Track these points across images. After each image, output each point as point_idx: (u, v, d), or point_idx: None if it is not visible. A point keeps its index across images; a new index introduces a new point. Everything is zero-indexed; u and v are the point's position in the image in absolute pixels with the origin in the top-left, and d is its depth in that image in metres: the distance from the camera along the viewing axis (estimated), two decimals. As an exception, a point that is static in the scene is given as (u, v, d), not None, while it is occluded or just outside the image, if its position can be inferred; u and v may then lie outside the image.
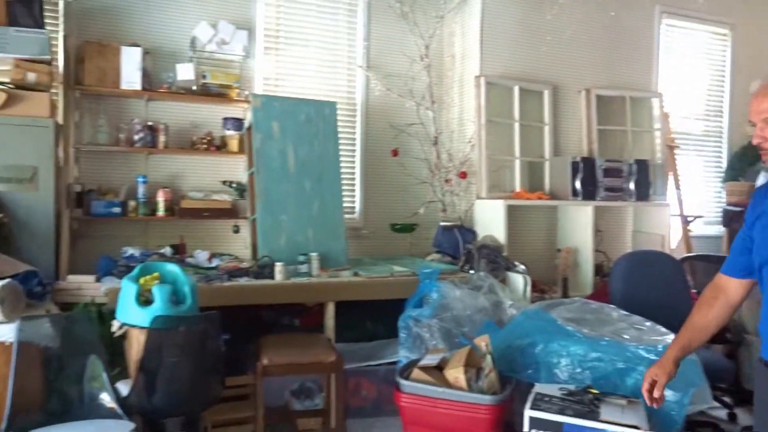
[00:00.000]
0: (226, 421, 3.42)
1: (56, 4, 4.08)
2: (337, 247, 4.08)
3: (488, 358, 2.94)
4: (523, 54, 5.04)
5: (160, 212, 4.23)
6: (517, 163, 4.94)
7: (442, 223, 4.68)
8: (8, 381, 2.54)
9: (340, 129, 4.59)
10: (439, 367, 3.01)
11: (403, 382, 2.96)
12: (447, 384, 2.91)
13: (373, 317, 4.11)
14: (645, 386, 2.03)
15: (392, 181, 5.03)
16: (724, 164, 5.95)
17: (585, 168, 4.72)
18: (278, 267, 3.66)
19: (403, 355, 3.46)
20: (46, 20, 3.84)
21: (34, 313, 2.89)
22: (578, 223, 4.79)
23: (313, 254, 3.84)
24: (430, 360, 3.05)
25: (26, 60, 3.55)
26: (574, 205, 4.80)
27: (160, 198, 4.24)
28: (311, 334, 3.62)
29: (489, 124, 4.79)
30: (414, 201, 4.96)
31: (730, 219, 4.75)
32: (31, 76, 3.55)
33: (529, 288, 3.97)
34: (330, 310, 3.68)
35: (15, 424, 2.47)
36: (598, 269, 4.76)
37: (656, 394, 2.01)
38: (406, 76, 4.99)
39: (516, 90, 4.95)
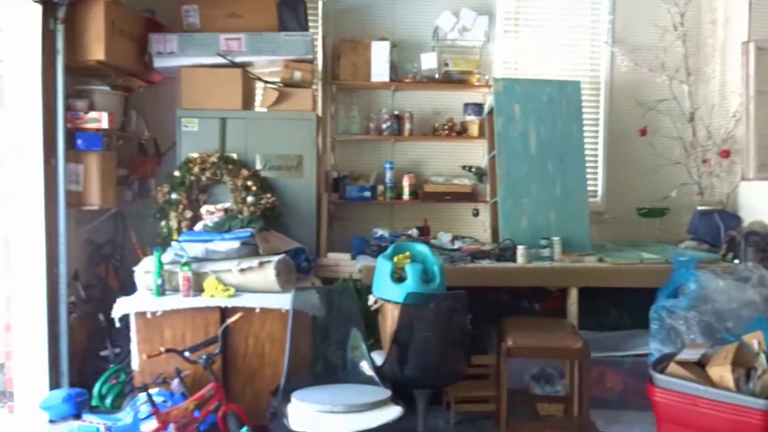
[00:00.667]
0: (468, 398, 3.52)
1: (316, 7, 4.51)
2: (581, 231, 3.95)
3: (761, 357, 2.64)
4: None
5: (405, 196, 4.49)
6: (793, 139, 4.30)
7: (700, 208, 4.26)
8: (285, 344, 2.90)
9: (584, 107, 4.41)
10: (700, 364, 2.77)
11: (658, 376, 2.79)
12: (710, 382, 2.67)
13: (618, 306, 3.91)
14: None
15: (639, 163, 4.71)
16: None
17: None
18: (520, 250, 3.66)
19: (654, 348, 3.26)
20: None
21: (303, 285, 3.27)
22: None
23: (555, 238, 3.76)
24: (689, 355, 2.83)
25: (293, 60, 3.98)
26: None
27: (405, 183, 4.49)
28: (554, 319, 3.56)
29: (759, 96, 4.22)
30: (664, 183, 4.58)
31: None
32: (297, 75, 3.97)
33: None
34: (573, 296, 3.58)
35: (289, 383, 2.82)
36: None
37: None
38: (657, 48, 4.61)
39: (792, 55, 4.29)
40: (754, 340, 2.73)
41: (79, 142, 3.55)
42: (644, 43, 4.68)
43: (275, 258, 3.18)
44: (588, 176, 4.57)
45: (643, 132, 4.59)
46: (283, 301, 3.04)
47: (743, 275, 3.42)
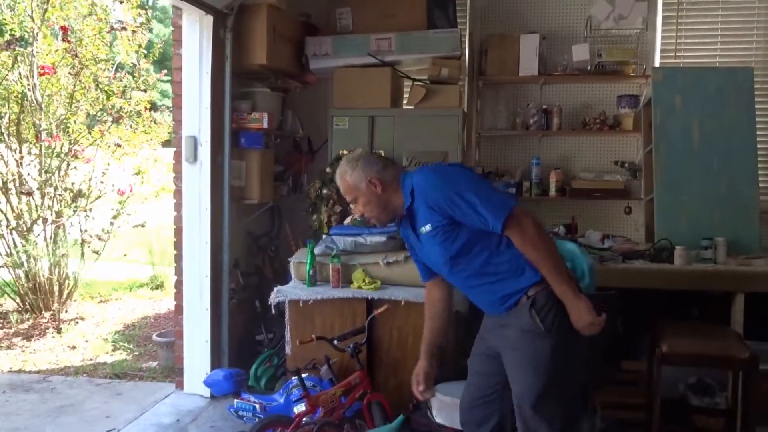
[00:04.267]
0: (617, 404, 3.36)
1: (465, 3, 4.51)
2: (750, 232, 3.62)
3: None
4: None
5: (552, 192, 4.37)
6: None
7: None
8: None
9: (757, 95, 4.03)
10: None
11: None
12: None
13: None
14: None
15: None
16: None
17: None
18: (678, 251, 3.42)
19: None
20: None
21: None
22: None
23: (720, 239, 3.47)
24: None
25: (441, 57, 4.01)
26: None
27: (552, 179, 4.37)
28: (716, 326, 3.29)
29: None
30: None
31: None
32: (444, 72, 4.00)
33: None
34: (739, 302, 3.28)
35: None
36: None
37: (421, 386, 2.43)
38: None
39: None
40: None
41: (243, 140, 3.84)
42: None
43: (420, 252, 3.23)
44: (760, 172, 4.19)
45: (828, 121, 4.11)
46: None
47: None
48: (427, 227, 2.17)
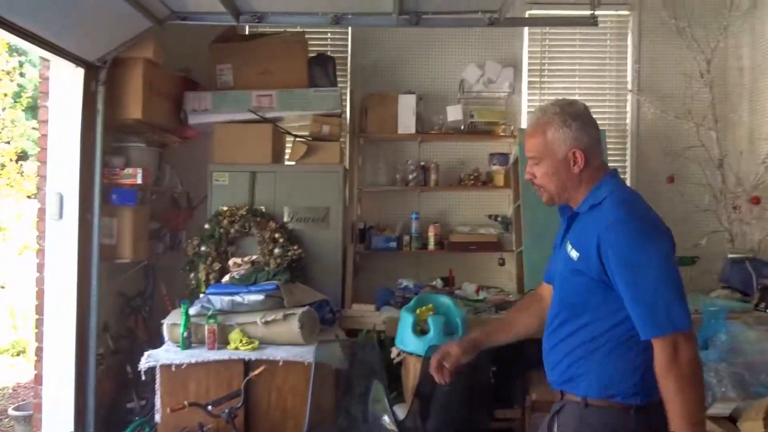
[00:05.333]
0: (494, 452, 3.46)
1: (346, 63, 4.67)
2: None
3: (795, 414, 2.53)
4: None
5: (431, 246, 4.51)
6: (829, 186, 4.21)
7: (731, 256, 4.18)
8: (307, 397, 2.92)
9: (609, 156, 4.42)
10: (731, 419, 2.68)
11: None
12: (741, 440, 2.57)
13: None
14: (434, 361, 2.03)
15: (668, 211, 4.58)
16: None
17: None
18: (545, 301, 3.62)
19: (686, 402, 3.14)
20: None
21: (326, 338, 3.29)
22: None
23: (582, 288, 3.71)
24: (720, 409, 2.74)
25: (322, 115, 4.10)
26: None
27: (431, 233, 4.52)
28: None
29: (790, 142, 4.19)
30: (694, 231, 4.51)
31: None
32: (326, 129, 4.08)
33: None
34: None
35: (311, 436, 2.83)
36: None
37: (447, 364, 2.01)
38: (684, 95, 4.62)
39: (823, 100, 4.25)
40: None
41: (114, 197, 3.69)
42: (670, 90, 4.70)
43: (299, 310, 3.22)
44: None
45: (671, 179, 4.56)
46: (307, 354, 3.07)
47: (776, 326, 3.32)
48: (574, 253, 1.79)
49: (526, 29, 4.80)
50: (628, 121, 4.79)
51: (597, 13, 3.61)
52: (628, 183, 4.74)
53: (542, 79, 4.83)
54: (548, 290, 2.07)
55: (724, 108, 4.66)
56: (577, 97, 4.71)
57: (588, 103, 4.77)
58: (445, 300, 3.13)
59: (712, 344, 3.27)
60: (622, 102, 4.82)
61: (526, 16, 4.74)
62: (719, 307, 3.43)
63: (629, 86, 4.78)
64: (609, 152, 4.29)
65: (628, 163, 4.77)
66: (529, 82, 4.82)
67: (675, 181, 4.57)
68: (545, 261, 3.87)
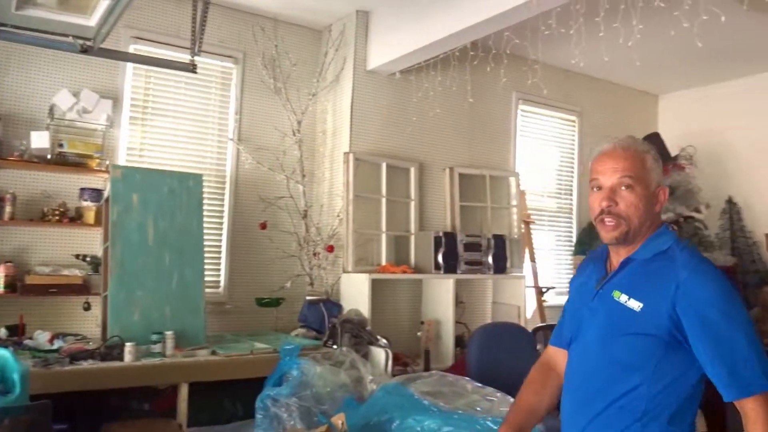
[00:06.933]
0: None
1: None
2: (196, 324, 3.93)
3: (342, 437, 2.91)
4: (391, 133, 5.25)
5: (0, 289, 3.92)
6: (384, 237, 5.07)
7: (309, 297, 4.67)
8: None
9: (207, 201, 4.54)
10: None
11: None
12: (300, 467, 2.84)
13: (233, 397, 3.96)
14: None
15: (260, 255, 4.99)
16: (574, 238, 6.42)
17: (447, 242, 4.91)
18: (128, 347, 3.46)
19: (260, 437, 3.35)
20: None
21: None
22: (440, 295, 4.94)
23: (168, 332, 3.67)
24: (285, 442, 2.98)
25: None
26: (436, 278, 4.96)
27: (1, 273, 3.93)
28: (159, 420, 3.43)
29: (357, 199, 4.91)
30: (282, 275, 4.93)
31: (578, 291, 5.05)
32: None
33: (390, 362, 4.01)
34: (183, 393, 3.51)
35: None
36: (459, 341, 4.90)
37: None
38: (278, 150, 5.05)
39: (384, 166, 5.14)
40: (339, 420, 3.01)
41: None
42: (267, 143, 5.08)
43: None
44: (211, 267, 4.70)
45: (263, 226, 4.90)
46: None
47: (339, 360, 3.79)
48: (635, 303, 1.62)
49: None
50: (228, 167, 5.00)
51: (199, 60, 3.71)
52: (225, 227, 4.94)
53: (145, 116, 4.72)
54: (561, 356, 1.89)
55: (310, 165, 5.24)
56: (180, 139, 4.80)
57: (191, 147, 4.87)
58: (2, 353, 2.73)
59: (285, 380, 3.57)
60: (223, 149, 5.01)
61: (131, 50, 4.61)
62: (293, 345, 3.76)
63: (230, 135, 5.01)
64: (208, 197, 4.40)
65: (225, 208, 4.96)
66: (131, 118, 4.65)
67: (267, 228, 4.92)
68: (132, 305, 3.76)
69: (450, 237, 4.97)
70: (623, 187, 1.65)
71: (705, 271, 1.59)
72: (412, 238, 5.20)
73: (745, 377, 1.50)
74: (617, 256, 1.74)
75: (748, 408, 1.51)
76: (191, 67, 3.71)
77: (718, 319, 1.53)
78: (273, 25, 5.16)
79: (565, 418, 1.78)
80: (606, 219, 1.67)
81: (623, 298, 1.65)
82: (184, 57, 3.82)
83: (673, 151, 5.84)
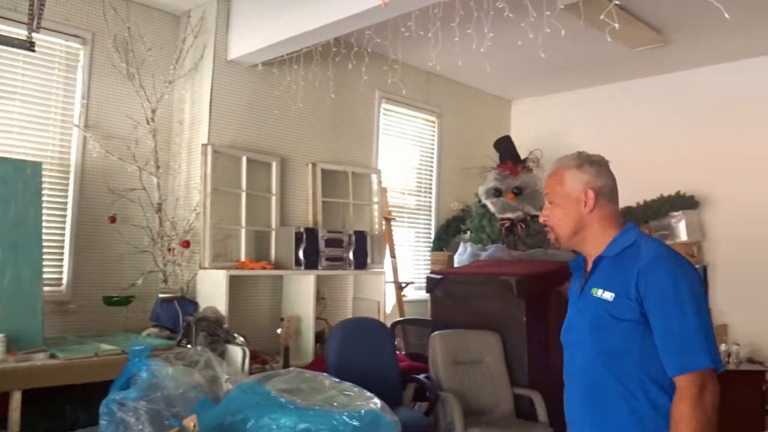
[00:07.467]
0: None
1: None
2: (32, 325, 3.61)
3: (195, 439, 2.81)
4: (252, 126, 5.14)
5: None
6: (243, 233, 4.95)
7: (161, 295, 4.45)
8: None
9: (48, 192, 4.20)
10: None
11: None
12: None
13: (76, 404, 3.69)
14: None
15: (109, 250, 4.68)
16: (433, 235, 6.67)
17: (308, 238, 4.90)
18: (-51, 353, 3.12)
19: (105, 445, 3.15)
20: None
21: None
22: (301, 292, 4.92)
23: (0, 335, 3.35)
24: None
25: None
26: (297, 275, 4.93)
27: None
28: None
29: (215, 193, 4.76)
30: (132, 271, 4.66)
31: (432, 285, 5.25)
32: None
33: (248, 360, 3.93)
34: (15, 401, 3.21)
35: None
36: (320, 337, 4.91)
37: None
38: (130, 139, 4.77)
39: (244, 160, 5.01)
40: (190, 422, 2.90)
41: None
42: (117, 131, 4.77)
43: None
44: (52, 264, 4.36)
45: (113, 219, 4.60)
46: None
47: (193, 359, 3.65)
48: (608, 294, 1.83)
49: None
50: (72, 155, 4.62)
51: (39, 37, 3.42)
52: (68, 220, 4.58)
53: (-27, 97, 4.25)
54: None
55: (165, 156, 5.00)
56: (16, 123, 4.37)
57: (29, 133, 4.49)
58: None
59: (134, 383, 3.38)
60: (67, 135, 4.62)
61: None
62: (143, 345, 3.57)
63: (75, 121, 4.64)
64: (48, 187, 4.05)
65: (69, 199, 4.57)
66: (-44, 98, 4.18)
67: (117, 221, 4.63)
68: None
69: (311, 233, 4.96)
70: (549, 203, 2.01)
71: (663, 256, 1.79)
72: (273, 233, 5.13)
73: (686, 354, 1.67)
74: (589, 258, 1.99)
75: (682, 384, 1.67)
76: (28, 45, 3.41)
77: (669, 299, 1.71)
78: (126, 6, 4.85)
79: (572, 414, 1.98)
80: (547, 230, 2.02)
81: (599, 292, 1.87)
82: (22, 33, 3.49)
83: (523, 154, 6.23)
